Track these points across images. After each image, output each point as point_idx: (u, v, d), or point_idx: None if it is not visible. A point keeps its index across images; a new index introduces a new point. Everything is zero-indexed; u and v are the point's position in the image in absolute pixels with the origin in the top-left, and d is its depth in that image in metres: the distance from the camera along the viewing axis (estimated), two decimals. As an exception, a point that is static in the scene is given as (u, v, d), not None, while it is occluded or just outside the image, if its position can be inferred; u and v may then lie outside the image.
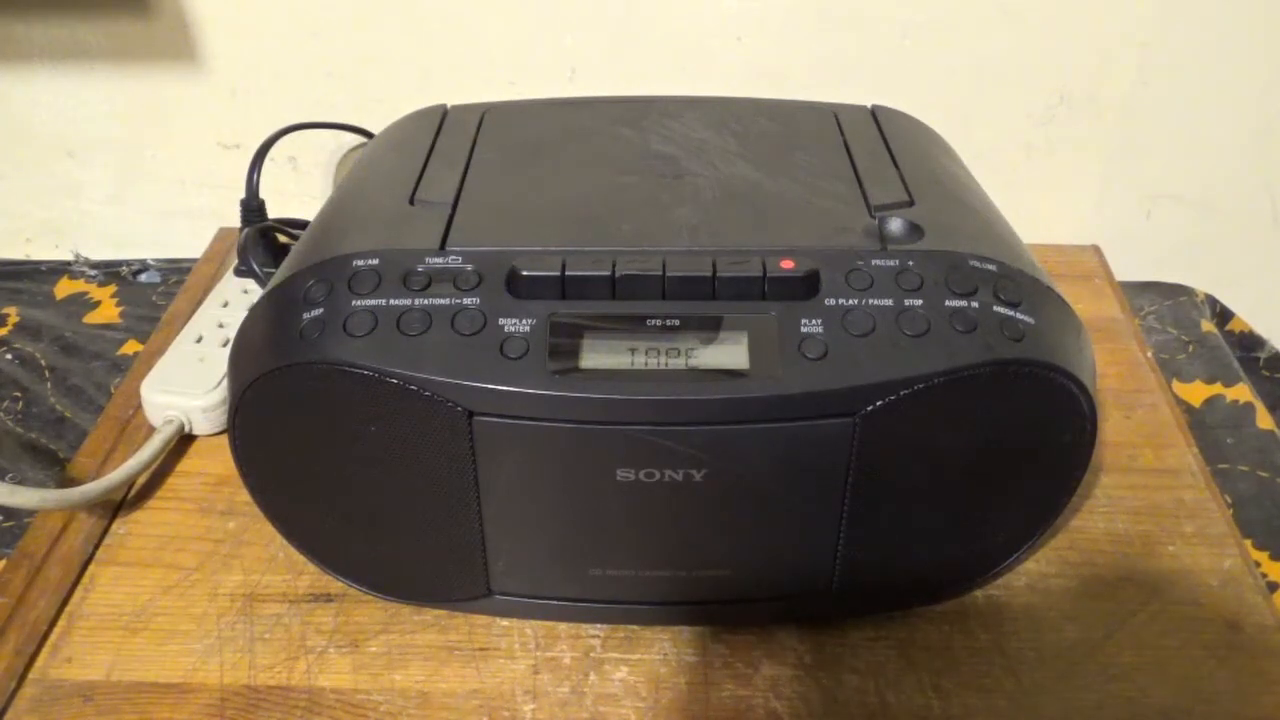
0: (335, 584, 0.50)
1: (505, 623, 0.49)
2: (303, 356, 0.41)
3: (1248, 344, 0.76)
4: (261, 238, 0.64)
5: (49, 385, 0.68)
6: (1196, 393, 0.68)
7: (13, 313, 0.75)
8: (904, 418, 0.40)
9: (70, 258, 0.82)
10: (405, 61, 0.74)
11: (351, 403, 0.41)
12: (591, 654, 0.48)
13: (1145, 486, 0.56)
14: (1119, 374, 0.63)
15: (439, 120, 0.56)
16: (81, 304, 0.77)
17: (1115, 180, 0.77)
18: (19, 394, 0.67)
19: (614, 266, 0.42)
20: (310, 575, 0.51)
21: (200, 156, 0.79)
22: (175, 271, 0.79)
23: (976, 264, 0.43)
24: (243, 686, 0.46)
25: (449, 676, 0.47)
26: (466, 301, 0.41)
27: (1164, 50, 0.71)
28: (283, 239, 0.67)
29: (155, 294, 0.77)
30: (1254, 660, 0.47)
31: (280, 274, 0.46)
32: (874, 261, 0.43)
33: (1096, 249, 0.75)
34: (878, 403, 0.40)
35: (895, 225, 0.46)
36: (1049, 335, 0.42)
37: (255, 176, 0.65)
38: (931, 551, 0.46)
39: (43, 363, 0.70)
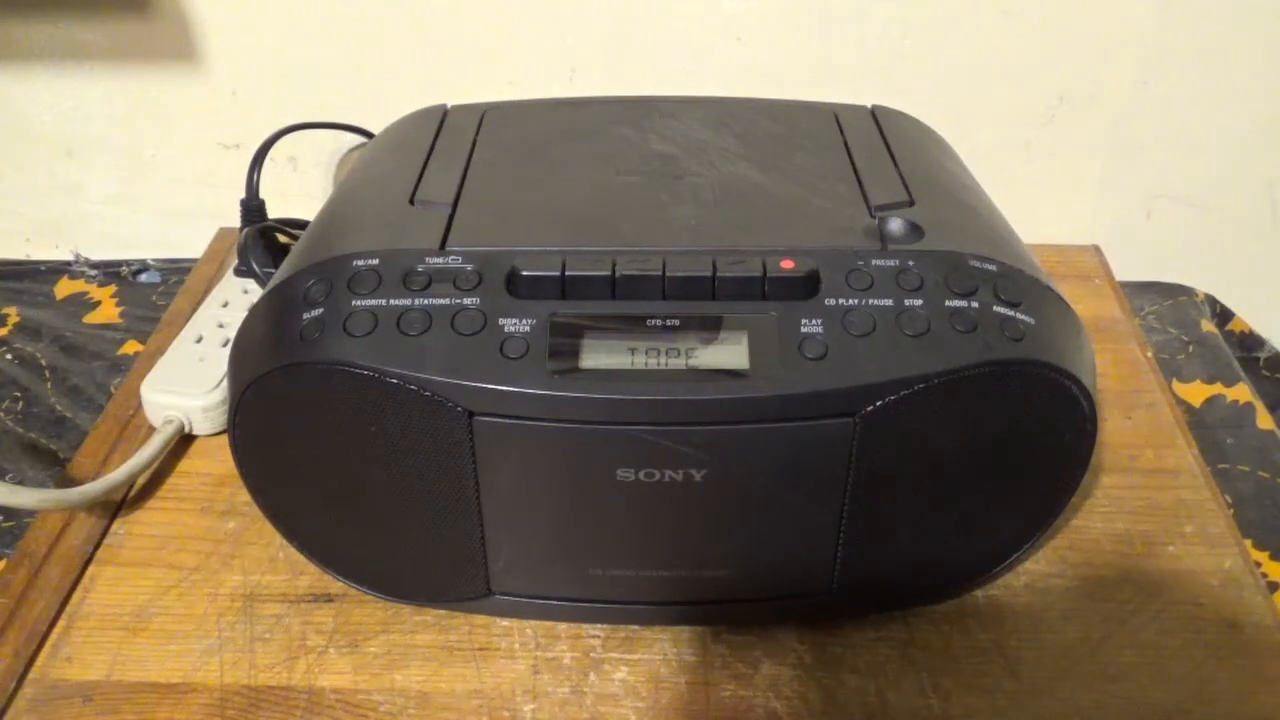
0: (335, 584, 0.50)
1: (505, 623, 0.49)
2: (303, 356, 0.41)
3: (1248, 344, 0.76)
4: (261, 238, 0.64)
5: (49, 385, 0.68)
6: (1196, 393, 0.68)
7: (13, 313, 0.75)
8: (904, 418, 0.40)
9: (70, 258, 0.82)
10: (405, 61, 0.74)
11: (351, 403, 0.41)
12: (591, 654, 0.48)
13: (1145, 486, 0.56)
14: (1119, 374, 0.63)
15: (439, 120, 0.56)
16: (81, 304, 0.77)
17: (1115, 180, 0.77)
18: (19, 394, 0.68)
19: (614, 266, 0.42)
20: (310, 575, 0.51)
21: (200, 156, 0.79)
22: (175, 271, 0.79)
23: (976, 264, 0.43)
24: (243, 686, 0.46)
25: (449, 676, 0.47)
26: (466, 301, 0.41)
27: (1164, 50, 0.71)
28: (283, 239, 0.67)
29: (155, 294, 0.77)
30: (1254, 660, 0.47)
31: (280, 274, 0.46)
32: (874, 261, 0.43)
33: (1096, 249, 0.75)
34: (878, 403, 0.40)
35: (895, 225, 0.46)
36: (1049, 335, 0.42)
37: (255, 176, 0.65)
38: (931, 551, 0.46)
39: (43, 363, 0.70)
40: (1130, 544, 0.52)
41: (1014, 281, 0.43)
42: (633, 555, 0.45)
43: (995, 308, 0.41)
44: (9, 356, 0.71)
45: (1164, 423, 0.60)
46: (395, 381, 0.40)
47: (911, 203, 0.48)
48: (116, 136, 0.78)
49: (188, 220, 0.81)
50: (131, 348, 0.71)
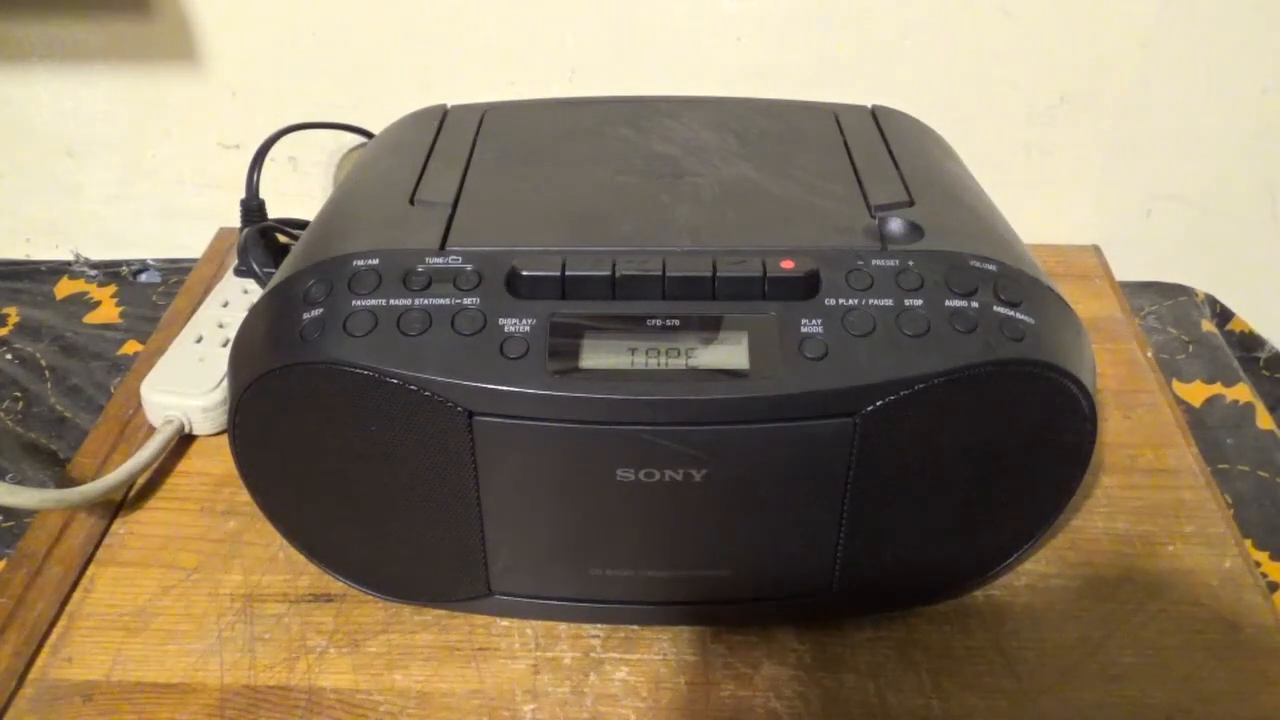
0: (335, 584, 0.50)
1: (505, 623, 0.49)
2: (303, 356, 0.41)
3: (1248, 344, 0.76)
4: (261, 238, 0.64)
5: (49, 385, 0.68)
6: (1196, 393, 0.68)
7: (13, 313, 0.75)
8: (904, 418, 0.40)
9: (70, 258, 0.82)
10: (405, 61, 0.74)
11: (351, 402, 0.41)
12: (591, 654, 0.48)
13: (1145, 486, 0.56)
14: (1119, 374, 0.63)
15: (439, 120, 0.56)
16: (81, 304, 0.77)
17: (1115, 180, 0.77)
18: (19, 394, 0.67)
19: (614, 267, 0.42)
20: (310, 575, 0.51)
21: (200, 156, 0.79)
22: (175, 271, 0.79)
23: (976, 264, 0.43)
24: (243, 686, 0.46)
25: (449, 676, 0.47)
26: (466, 301, 0.41)
27: (1164, 50, 0.71)
28: (283, 239, 0.67)
29: (155, 294, 0.77)
30: (1254, 660, 0.47)
31: (280, 274, 0.46)
32: (874, 261, 0.43)
33: (1096, 249, 0.75)
34: (878, 403, 0.40)
35: (895, 225, 0.46)
36: (1049, 335, 0.42)
37: (255, 176, 0.65)
38: (932, 551, 0.46)
39: (43, 363, 0.70)
40: (1130, 544, 0.52)
41: (1014, 281, 0.43)
42: (633, 555, 0.45)
43: (995, 308, 0.41)
44: (9, 356, 0.71)
45: (1164, 423, 0.60)
46: (395, 381, 0.40)
47: (911, 203, 0.48)
48: (116, 136, 0.78)
49: (188, 220, 0.81)
50: (131, 348, 0.71)
